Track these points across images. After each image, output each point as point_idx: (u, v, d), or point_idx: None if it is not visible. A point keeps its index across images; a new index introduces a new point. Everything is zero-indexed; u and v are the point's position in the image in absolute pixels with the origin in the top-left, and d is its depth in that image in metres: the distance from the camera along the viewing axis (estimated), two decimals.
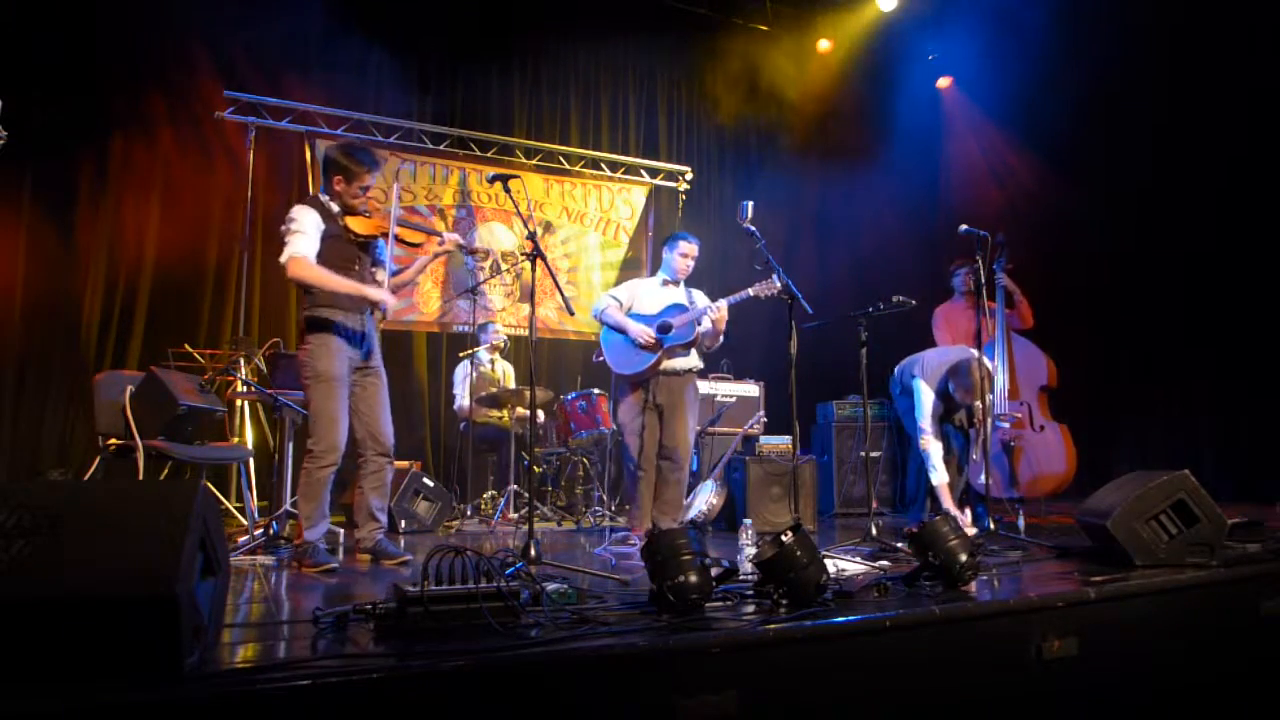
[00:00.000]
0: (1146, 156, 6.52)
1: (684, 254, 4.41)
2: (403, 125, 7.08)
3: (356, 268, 3.56)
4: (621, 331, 4.30)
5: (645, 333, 4.25)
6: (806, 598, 2.30)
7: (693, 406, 4.43)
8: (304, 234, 3.41)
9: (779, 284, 4.01)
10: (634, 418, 4.30)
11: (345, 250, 3.53)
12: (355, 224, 3.55)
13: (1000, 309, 5.35)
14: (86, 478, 4.19)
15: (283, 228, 3.45)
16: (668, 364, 4.29)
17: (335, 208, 3.55)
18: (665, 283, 4.45)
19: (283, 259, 3.38)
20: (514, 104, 7.78)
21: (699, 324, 4.24)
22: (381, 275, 3.66)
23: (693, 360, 4.39)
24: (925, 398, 4.74)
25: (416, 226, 3.81)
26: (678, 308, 4.33)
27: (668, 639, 1.98)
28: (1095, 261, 6.91)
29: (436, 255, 3.79)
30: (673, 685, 1.92)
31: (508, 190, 3.60)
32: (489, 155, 7.47)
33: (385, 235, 3.58)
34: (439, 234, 3.76)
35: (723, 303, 4.20)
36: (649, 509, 4.30)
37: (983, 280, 4.36)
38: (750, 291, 4.14)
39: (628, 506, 4.39)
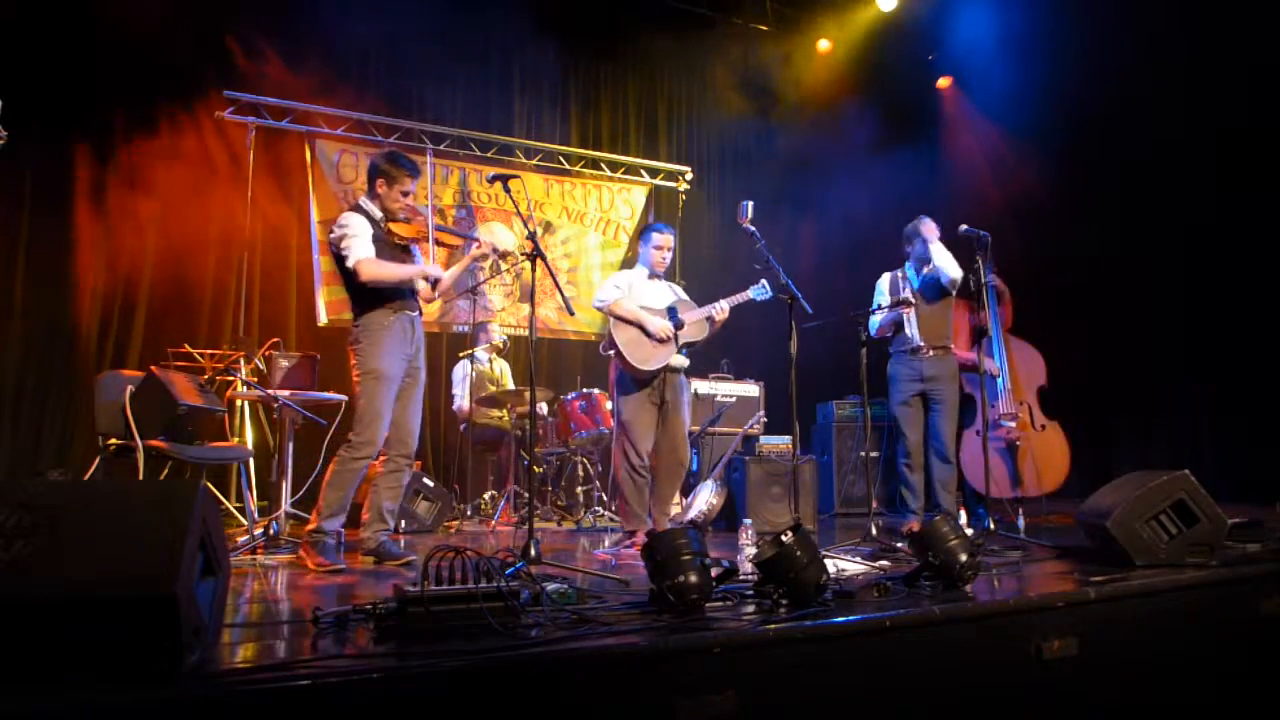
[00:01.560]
0: (1147, 155, 6.52)
1: (658, 246, 4.35)
2: (403, 125, 7.08)
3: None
4: (638, 325, 4.18)
5: (666, 328, 4.17)
6: (806, 598, 2.30)
7: (689, 403, 4.43)
8: (359, 237, 3.53)
9: (763, 293, 4.12)
10: (640, 414, 4.19)
11: (391, 254, 3.66)
12: (398, 228, 3.67)
13: (993, 308, 5.36)
14: (86, 478, 4.19)
15: (335, 234, 3.57)
16: (675, 361, 4.24)
17: (378, 213, 3.67)
18: (650, 276, 4.40)
19: (350, 264, 3.50)
20: (514, 104, 7.79)
21: (711, 323, 4.23)
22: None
23: (686, 359, 4.37)
24: (883, 283, 4.88)
25: (452, 230, 3.92)
26: (682, 303, 4.30)
27: (668, 639, 1.98)
28: (1095, 261, 6.91)
29: (475, 258, 3.86)
30: (673, 685, 1.92)
31: (508, 190, 3.62)
32: (489, 155, 7.48)
33: (425, 238, 3.71)
34: (474, 238, 3.83)
35: (725, 304, 4.20)
36: (645, 510, 4.24)
37: (983, 280, 4.36)
38: (751, 293, 4.18)
39: (625, 509, 4.25)
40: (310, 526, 3.51)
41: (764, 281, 4.20)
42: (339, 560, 3.43)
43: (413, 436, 3.73)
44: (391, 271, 3.57)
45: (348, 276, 3.58)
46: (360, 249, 3.51)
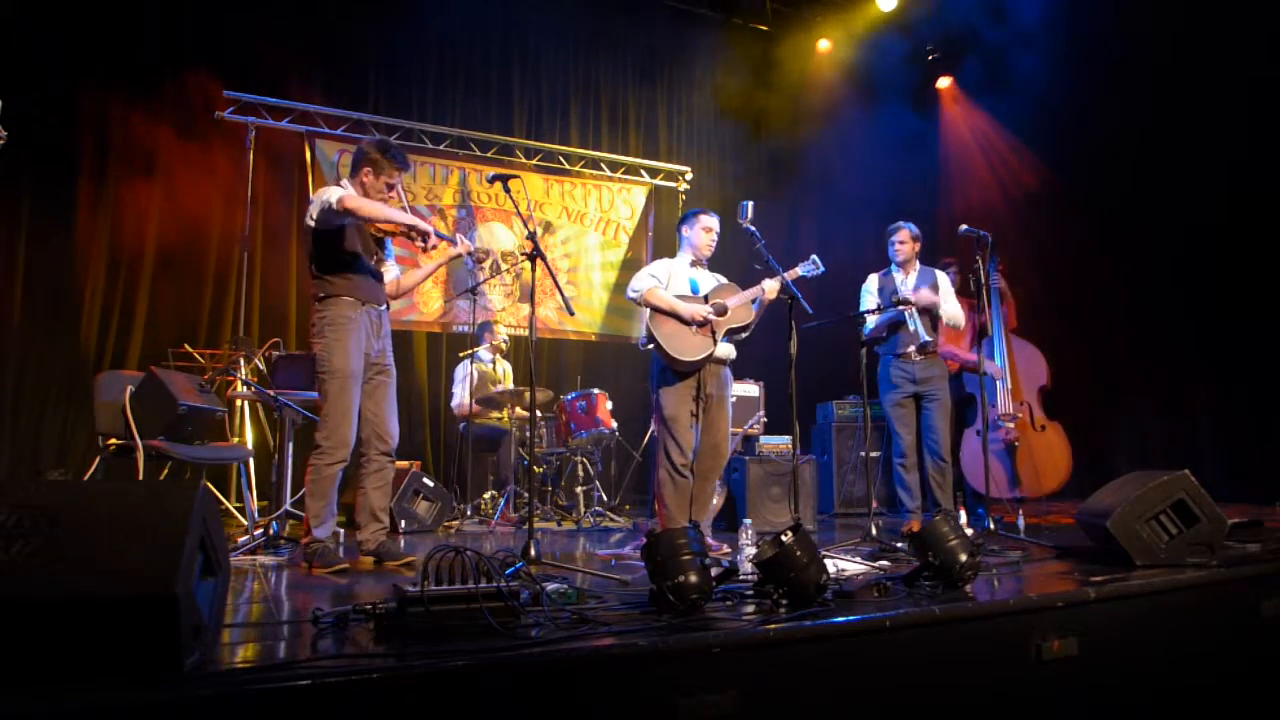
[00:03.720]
0: (1148, 155, 6.51)
1: (707, 228, 4.13)
2: (402, 125, 7.08)
3: (374, 259, 3.64)
4: (673, 314, 3.95)
5: (700, 312, 3.93)
6: (806, 598, 2.30)
7: (733, 399, 4.20)
8: (337, 187, 3.42)
9: (813, 269, 4.00)
10: (685, 409, 3.93)
11: (366, 241, 3.57)
12: None
13: (995, 308, 5.35)
14: (86, 478, 4.19)
15: (313, 201, 3.44)
16: (720, 351, 4.01)
17: None
18: (693, 263, 4.17)
19: (332, 200, 3.29)
20: (514, 104, 7.79)
21: (759, 305, 4.02)
22: (390, 269, 3.75)
23: (733, 348, 4.15)
24: (870, 284, 4.89)
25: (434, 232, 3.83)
26: (726, 288, 4.09)
27: (668, 639, 1.98)
28: (1095, 261, 6.91)
29: (451, 258, 3.79)
30: (673, 685, 1.92)
31: (508, 190, 3.61)
32: (489, 155, 7.48)
33: (405, 235, 3.56)
34: (452, 239, 3.78)
35: (771, 284, 3.97)
36: (685, 515, 3.95)
37: (983, 280, 4.37)
38: (801, 270, 3.99)
39: (663, 513, 3.96)
40: (305, 540, 3.46)
41: (814, 258, 4.03)
42: (341, 559, 3.42)
43: (390, 433, 3.62)
44: (377, 210, 3.34)
45: (320, 251, 3.42)
46: (339, 190, 3.34)
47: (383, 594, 2.46)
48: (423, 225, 3.40)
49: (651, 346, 4.00)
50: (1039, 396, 5.48)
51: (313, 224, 3.42)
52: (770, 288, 3.99)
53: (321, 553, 3.40)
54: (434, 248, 3.45)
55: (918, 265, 4.85)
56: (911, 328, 4.66)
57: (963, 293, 4.87)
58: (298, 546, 3.79)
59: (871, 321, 4.73)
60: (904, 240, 4.81)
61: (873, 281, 4.93)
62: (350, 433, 3.45)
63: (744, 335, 4.13)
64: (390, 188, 3.58)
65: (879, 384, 4.84)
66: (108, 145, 6.09)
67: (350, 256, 3.47)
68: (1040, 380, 5.50)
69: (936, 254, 5.14)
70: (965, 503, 5.24)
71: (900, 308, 4.66)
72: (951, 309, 4.72)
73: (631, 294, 4.08)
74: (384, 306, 3.65)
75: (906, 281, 4.81)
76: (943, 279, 4.82)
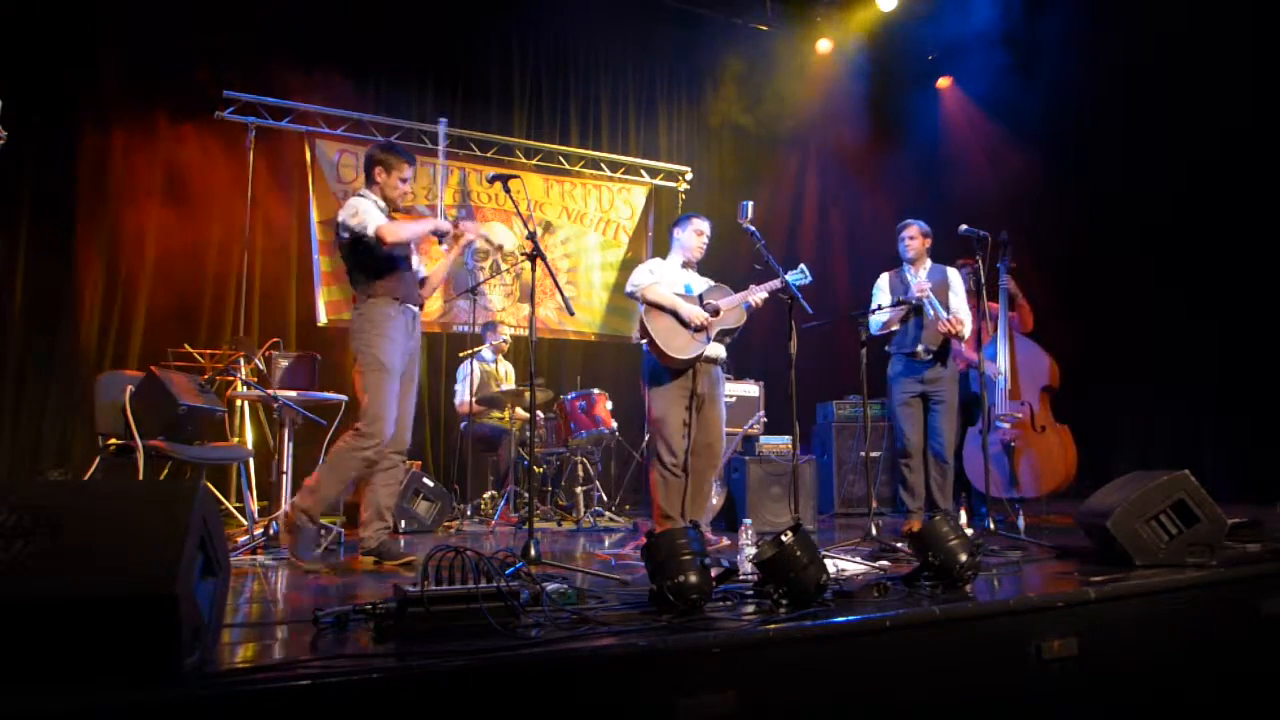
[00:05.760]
0: (1148, 155, 6.52)
1: (699, 231, 4.21)
2: (402, 125, 7.08)
3: (406, 257, 3.68)
4: (671, 312, 4.01)
5: (700, 315, 4.00)
6: (806, 598, 2.30)
7: (725, 396, 4.30)
8: (373, 211, 3.48)
9: (801, 279, 4.01)
10: (677, 410, 4.01)
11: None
12: (398, 218, 3.64)
13: (1003, 309, 5.33)
14: (86, 478, 4.18)
15: (344, 215, 3.48)
16: (711, 350, 4.08)
17: (381, 203, 3.61)
18: (685, 265, 4.25)
19: (372, 231, 3.39)
20: (514, 104, 7.79)
21: (749, 310, 4.10)
22: (418, 268, 3.80)
23: (723, 348, 4.22)
24: (882, 282, 4.84)
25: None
26: (717, 290, 4.15)
27: (668, 639, 1.98)
28: (1096, 261, 6.91)
29: (463, 248, 3.81)
30: (673, 685, 1.92)
31: (508, 190, 3.63)
32: (489, 155, 7.48)
33: None
34: (462, 220, 3.81)
35: (761, 292, 4.05)
36: (678, 511, 4.00)
37: (983, 280, 4.35)
38: (789, 278, 4.00)
39: (656, 512, 4.02)
40: (300, 504, 3.41)
41: (802, 267, 4.08)
42: (316, 557, 3.41)
43: (408, 432, 3.69)
44: (409, 230, 3.50)
45: (358, 258, 3.49)
46: (378, 217, 3.45)
47: (383, 594, 2.46)
48: (443, 225, 3.57)
49: (645, 342, 4.05)
50: (1043, 397, 5.44)
51: (347, 236, 3.47)
52: (759, 298, 4.08)
53: (304, 535, 3.40)
54: (456, 238, 3.65)
55: (928, 262, 4.80)
56: (931, 314, 4.58)
57: (973, 293, 4.84)
58: None
59: (880, 318, 4.70)
60: (913, 236, 4.78)
61: (884, 280, 4.87)
62: (388, 425, 3.48)
63: (729, 339, 4.21)
64: (404, 181, 3.65)
65: (888, 382, 4.81)
66: (108, 145, 6.08)
67: (386, 258, 3.52)
68: (1043, 380, 5.45)
69: (939, 256, 5.13)
70: (970, 503, 5.23)
71: (917, 296, 4.60)
72: (957, 304, 4.67)
73: (630, 289, 4.14)
74: (419, 308, 3.70)
75: (918, 278, 4.78)
76: (954, 277, 4.77)
